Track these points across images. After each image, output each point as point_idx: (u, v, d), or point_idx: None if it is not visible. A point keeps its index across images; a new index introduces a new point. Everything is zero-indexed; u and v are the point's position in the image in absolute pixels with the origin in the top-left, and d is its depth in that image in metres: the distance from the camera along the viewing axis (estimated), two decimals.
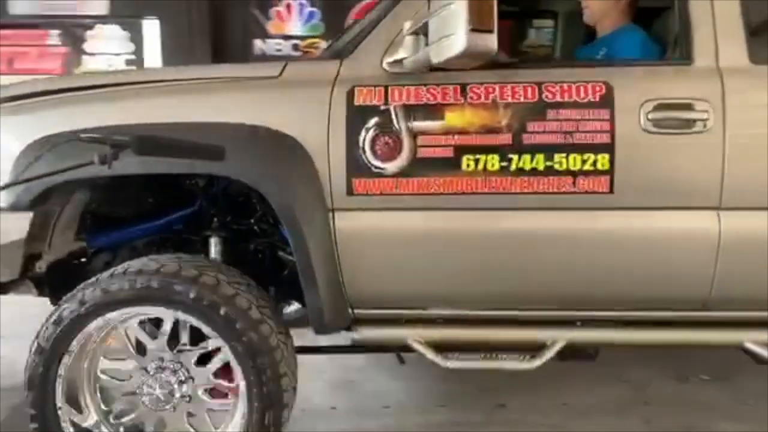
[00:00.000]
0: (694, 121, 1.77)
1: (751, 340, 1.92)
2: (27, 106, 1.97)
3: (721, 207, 1.80)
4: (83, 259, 2.19)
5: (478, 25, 1.48)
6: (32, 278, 2.04)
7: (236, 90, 1.89)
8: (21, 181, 1.79)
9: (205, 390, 1.90)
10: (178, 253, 2.07)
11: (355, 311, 1.95)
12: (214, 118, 1.83)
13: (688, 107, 1.78)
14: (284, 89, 1.87)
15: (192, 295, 1.75)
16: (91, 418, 1.91)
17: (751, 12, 1.83)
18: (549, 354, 1.92)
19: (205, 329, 1.81)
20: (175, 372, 1.87)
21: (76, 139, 1.67)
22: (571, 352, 2.06)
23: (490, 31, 1.49)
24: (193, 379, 1.88)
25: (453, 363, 1.92)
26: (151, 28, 6.66)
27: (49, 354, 1.80)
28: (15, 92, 2.01)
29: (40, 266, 2.00)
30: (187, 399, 1.89)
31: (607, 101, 1.78)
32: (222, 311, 1.76)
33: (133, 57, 6.53)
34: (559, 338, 1.94)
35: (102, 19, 7.27)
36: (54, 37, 7.45)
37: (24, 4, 7.37)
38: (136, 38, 6.79)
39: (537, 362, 1.92)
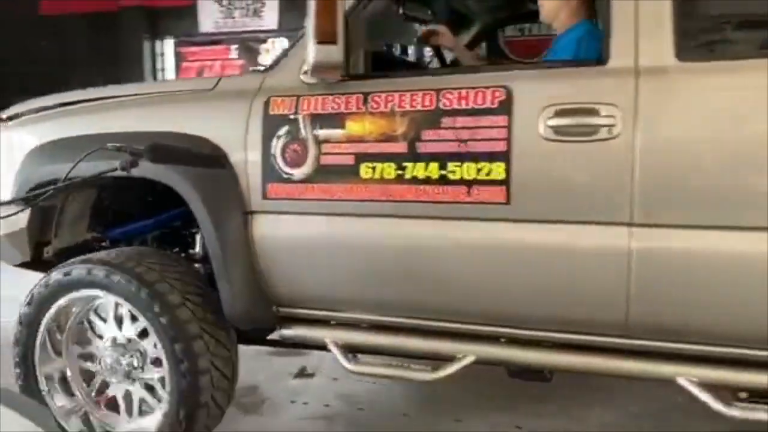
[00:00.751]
0: (599, 127, 1.61)
1: (685, 375, 1.68)
2: (42, 116, 2.37)
3: (633, 223, 1.61)
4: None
5: (321, 38, 1.52)
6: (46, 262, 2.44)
7: (175, 102, 2.11)
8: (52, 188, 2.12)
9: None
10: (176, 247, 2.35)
11: (280, 309, 2.06)
12: (153, 128, 2.06)
13: (592, 112, 1.62)
14: (214, 101, 2.05)
15: (117, 280, 1.98)
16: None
17: (684, 3, 1.61)
18: (455, 367, 1.86)
19: (134, 312, 2.03)
20: (125, 348, 2.13)
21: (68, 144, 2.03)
22: (522, 371, 1.98)
23: (334, 43, 1.52)
24: (141, 353, 2.12)
25: (356, 367, 1.95)
26: None
27: (26, 329, 2.15)
28: (41, 104, 2.42)
29: (48, 251, 2.39)
30: (140, 370, 2.13)
31: (504, 107, 1.69)
32: (142, 294, 1.97)
33: None
34: (468, 352, 1.87)
35: (274, 33, 8.15)
36: (234, 51, 8.52)
37: (210, 23, 8.50)
38: None
39: (440, 374, 1.87)
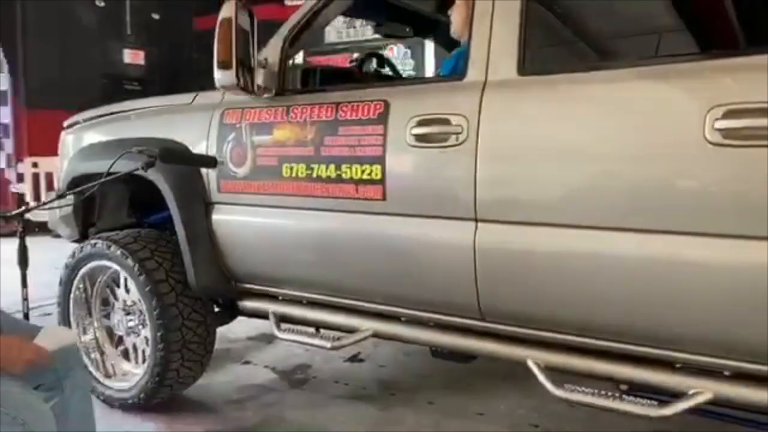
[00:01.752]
0: (450, 134, 1.86)
1: (532, 359, 1.87)
2: (89, 124, 3.03)
3: (477, 218, 1.84)
4: None
5: (220, 64, 1.94)
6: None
7: (168, 114, 2.63)
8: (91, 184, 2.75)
9: None
10: None
11: (237, 285, 2.52)
12: (149, 135, 2.59)
13: (445, 122, 1.87)
14: (188, 113, 2.53)
15: (119, 253, 2.55)
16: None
17: (529, 24, 1.81)
18: (354, 339, 2.19)
19: (130, 280, 2.59)
20: (130, 310, 2.70)
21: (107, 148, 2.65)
22: (448, 353, 2.24)
23: (229, 68, 1.93)
24: (141, 313, 2.67)
25: (284, 335, 2.34)
26: (430, 47, 7.68)
27: (63, 287, 2.80)
28: (91, 114, 3.09)
29: (92, 232, 3.05)
30: (141, 327, 2.69)
31: (382, 118, 1.99)
32: (135, 267, 2.51)
33: (413, 72, 7.67)
34: (367, 328, 2.19)
35: (393, 40, 8.77)
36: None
37: (334, 33, 9.34)
38: (417, 55, 8.02)
39: (340, 343, 2.20)
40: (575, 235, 1.70)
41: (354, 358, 3.30)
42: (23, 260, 2.22)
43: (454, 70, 2.21)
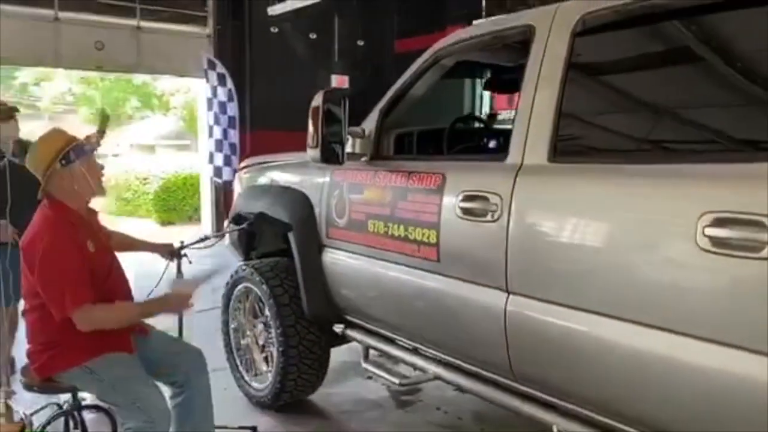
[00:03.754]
0: (487, 211, 2.06)
1: (557, 425, 1.99)
2: (251, 170, 3.72)
3: (508, 290, 2.02)
4: None
5: (312, 144, 2.39)
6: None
7: (298, 167, 3.16)
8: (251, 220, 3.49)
9: None
10: None
11: (342, 314, 2.96)
12: (286, 184, 3.17)
13: (485, 199, 2.07)
14: (314, 169, 3.00)
15: (257, 279, 3.15)
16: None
17: (564, 114, 1.93)
18: (417, 381, 2.50)
19: (263, 301, 3.18)
20: (267, 326, 3.30)
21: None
22: None
23: (316, 148, 2.37)
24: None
25: (367, 365, 2.71)
26: None
27: (224, 299, 3.52)
28: (255, 161, 3.79)
29: (253, 255, 3.74)
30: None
31: (439, 189, 2.25)
32: (267, 292, 3.09)
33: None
34: (432, 371, 2.47)
35: None
36: None
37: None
38: None
39: (406, 381, 2.51)
40: (584, 319, 1.79)
41: (461, 387, 3.53)
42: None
43: None
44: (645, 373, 1.64)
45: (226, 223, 3.65)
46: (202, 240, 2.80)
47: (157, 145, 23.17)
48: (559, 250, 1.86)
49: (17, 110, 3.62)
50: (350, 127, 2.53)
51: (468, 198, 2.14)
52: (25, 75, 21.67)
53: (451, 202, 2.20)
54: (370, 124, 2.68)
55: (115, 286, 2.33)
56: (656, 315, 1.61)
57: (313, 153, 2.42)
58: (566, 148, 1.93)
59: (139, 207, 11.74)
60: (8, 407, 2.65)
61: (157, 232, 10.20)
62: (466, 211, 2.14)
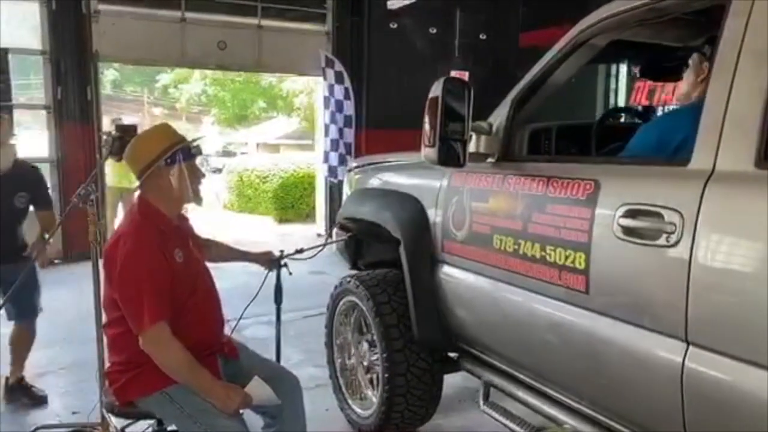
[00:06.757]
0: (660, 232, 1.53)
1: None
2: (359, 171, 3.38)
3: (687, 340, 1.48)
4: None
5: (426, 144, 1.99)
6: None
7: (409, 169, 2.76)
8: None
9: None
10: None
11: (456, 342, 2.52)
12: (395, 188, 2.78)
13: (657, 216, 1.55)
14: (428, 171, 2.58)
15: (362, 294, 2.79)
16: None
17: None
18: None
19: (367, 317, 2.81)
20: (372, 346, 2.94)
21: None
22: None
23: (433, 145, 1.96)
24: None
25: (486, 408, 2.26)
26: None
27: (329, 312, 3.19)
28: (363, 162, 3.45)
29: (361, 265, 3.40)
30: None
31: (591, 200, 1.75)
32: (373, 309, 2.72)
33: None
34: (568, 425, 1.96)
35: None
36: None
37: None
38: None
39: None
40: None
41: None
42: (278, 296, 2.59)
43: (658, 144, 1.81)
44: None
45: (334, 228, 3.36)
46: (299, 251, 2.49)
47: (281, 145, 23.94)
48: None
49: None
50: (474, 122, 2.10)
51: (632, 213, 1.62)
52: (165, 78, 23.29)
53: (607, 217, 1.69)
54: (498, 118, 2.22)
55: (199, 307, 2.04)
56: None
57: (429, 152, 2.00)
58: None
59: (259, 204, 11.96)
60: (103, 419, 2.52)
61: (274, 229, 10.31)
62: (629, 231, 1.62)
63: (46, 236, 3.22)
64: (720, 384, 1.41)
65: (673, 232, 1.50)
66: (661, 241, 1.53)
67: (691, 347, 1.47)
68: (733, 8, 1.50)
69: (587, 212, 1.75)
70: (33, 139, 7.19)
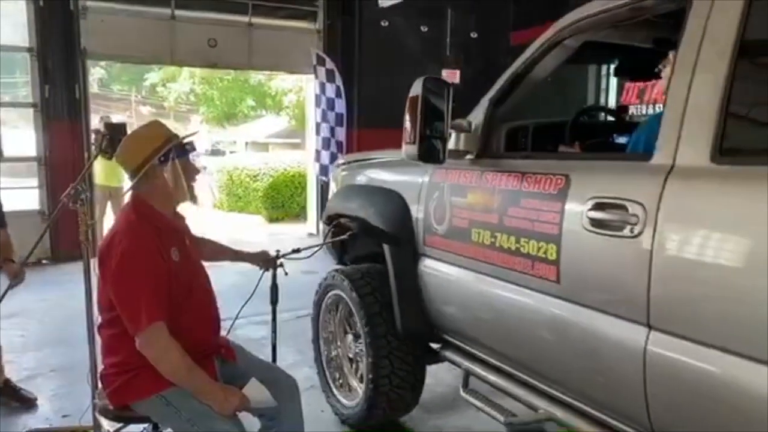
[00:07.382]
0: (625, 224, 1.61)
1: None
2: (346, 168, 3.44)
3: (649, 325, 1.57)
4: None
5: (407, 140, 2.06)
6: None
7: (394, 167, 2.83)
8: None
9: None
10: None
11: (438, 333, 2.60)
12: (381, 185, 2.86)
13: (621, 208, 1.63)
14: (412, 168, 2.65)
15: (345, 285, 2.86)
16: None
17: (736, 101, 1.46)
18: (527, 420, 2.09)
19: (352, 309, 2.88)
20: (356, 338, 3.01)
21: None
22: None
23: (413, 144, 2.03)
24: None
25: (465, 395, 2.34)
26: None
27: (315, 308, 3.26)
28: (350, 159, 3.52)
29: (347, 260, 3.47)
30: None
31: (561, 195, 1.83)
32: (357, 300, 2.79)
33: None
34: (544, 411, 2.05)
35: None
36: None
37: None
38: None
39: (514, 420, 2.11)
40: (754, 372, 1.32)
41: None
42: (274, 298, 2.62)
43: (645, 143, 1.89)
44: None
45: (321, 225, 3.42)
46: (296, 251, 2.55)
47: (270, 143, 23.95)
48: (724, 279, 1.39)
49: None
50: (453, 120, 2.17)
51: (599, 206, 1.70)
52: (153, 77, 23.22)
53: (576, 210, 1.78)
54: (477, 116, 2.30)
55: (196, 307, 2.03)
56: None
57: (409, 150, 2.08)
58: (737, 145, 1.45)
59: (249, 203, 12.00)
60: (96, 422, 2.48)
61: (265, 228, 10.32)
62: (596, 223, 1.71)
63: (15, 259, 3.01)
64: (679, 365, 1.49)
65: (636, 224, 1.58)
66: (626, 232, 1.61)
67: (652, 332, 1.56)
68: (694, 9, 1.59)
69: (558, 206, 1.84)
70: (19, 138, 7.17)
